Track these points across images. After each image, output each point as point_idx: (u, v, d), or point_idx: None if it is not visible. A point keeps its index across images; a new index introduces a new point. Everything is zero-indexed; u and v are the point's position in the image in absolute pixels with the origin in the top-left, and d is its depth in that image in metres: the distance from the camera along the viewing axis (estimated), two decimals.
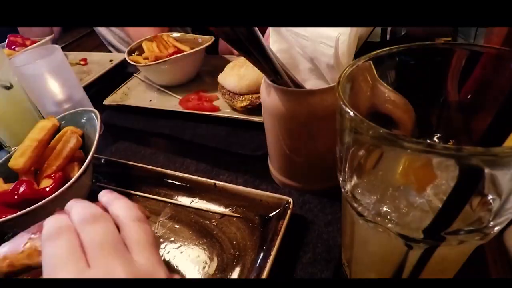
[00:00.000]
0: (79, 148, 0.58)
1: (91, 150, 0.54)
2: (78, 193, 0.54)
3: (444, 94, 0.33)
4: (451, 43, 0.32)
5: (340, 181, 0.33)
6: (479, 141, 0.31)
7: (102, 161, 0.65)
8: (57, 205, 0.49)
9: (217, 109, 0.80)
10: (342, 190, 0.33)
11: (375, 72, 0.33)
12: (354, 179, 0.31)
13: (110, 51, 1.47)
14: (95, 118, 0.60)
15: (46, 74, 0.70)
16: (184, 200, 0.56)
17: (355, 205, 0.31)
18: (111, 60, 1.10)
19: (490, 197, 0.26)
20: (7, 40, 1.11)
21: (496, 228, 0.27)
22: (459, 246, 0.28)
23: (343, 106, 0.27)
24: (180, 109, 0.82)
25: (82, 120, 0.62)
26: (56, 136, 0.58)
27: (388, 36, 0.69)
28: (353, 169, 0.31)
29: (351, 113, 0.26)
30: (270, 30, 0.50)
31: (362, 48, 0.31)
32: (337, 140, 0.31)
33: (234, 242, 0.48)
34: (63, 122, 0.62)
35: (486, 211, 0.26)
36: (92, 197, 0.58)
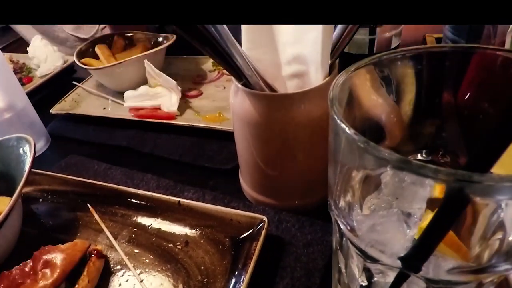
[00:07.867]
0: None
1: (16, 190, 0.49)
2: (5, 237, 0.51)
3: (451, 103, 0.32)
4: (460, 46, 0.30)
5: (333, 210, 0.31)
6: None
7: (50, 178, 0.62)
8: None
9: (173, 117, 0.78)
10: (338, 223, 0.31)
11: (371, 80, 0.31)
12: (354, 208, 0.29)
13: None
14: (27, 149, 0.56)
15: None
16: (144, 221, 0.55)
17: (355, 241, 0.29)
18: None
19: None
20: None
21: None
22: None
23: (339, 123, 0.24)
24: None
25: (10, 149, 0.57)
26: None
27: (374, 49, 0.71)
28: (352, 195, 0.29)
29: (351, 133, 0.23)
30: None
31: (348, 62, 0.30)
32: (330, 160, 0.29)
33: (202, 268, 0.47)
34: None
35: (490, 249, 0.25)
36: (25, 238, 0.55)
